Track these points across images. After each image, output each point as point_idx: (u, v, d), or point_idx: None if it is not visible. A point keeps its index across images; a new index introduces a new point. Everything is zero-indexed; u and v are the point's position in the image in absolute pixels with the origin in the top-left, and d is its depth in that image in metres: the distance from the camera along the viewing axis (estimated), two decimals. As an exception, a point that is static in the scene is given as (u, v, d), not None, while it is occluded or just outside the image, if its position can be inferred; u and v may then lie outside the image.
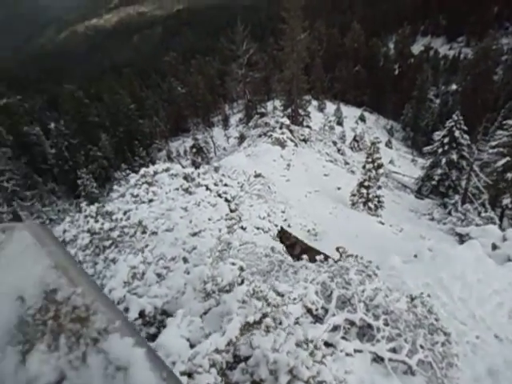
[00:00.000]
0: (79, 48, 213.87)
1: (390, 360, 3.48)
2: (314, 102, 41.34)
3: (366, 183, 14.11)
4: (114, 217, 5.39)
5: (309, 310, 3.62)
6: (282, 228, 6.42)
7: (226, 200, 7.78)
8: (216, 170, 11.35)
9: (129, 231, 5.18)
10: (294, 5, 22.21)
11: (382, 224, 13.23)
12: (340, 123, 38.77)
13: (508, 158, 16.00)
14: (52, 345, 0.45)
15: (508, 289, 5.69)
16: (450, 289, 5.45)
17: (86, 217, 5.24)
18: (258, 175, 12.09)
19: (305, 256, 5.09)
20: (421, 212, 17.47)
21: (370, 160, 14.24)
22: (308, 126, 26.14)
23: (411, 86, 48.02)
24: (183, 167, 9.03)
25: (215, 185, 8.14)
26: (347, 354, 3.28)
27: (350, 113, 46.22)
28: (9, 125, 35.62)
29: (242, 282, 3.13)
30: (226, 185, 8.38)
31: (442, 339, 3.80)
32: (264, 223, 7.45)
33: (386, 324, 3.64)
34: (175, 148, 42.48)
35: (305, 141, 21.04)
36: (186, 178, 8.00)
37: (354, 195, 14.43)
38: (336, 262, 4.95)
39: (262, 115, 24.45)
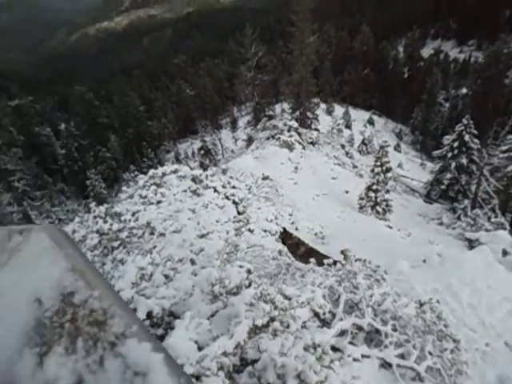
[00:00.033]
0: (90, 50, 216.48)
1: (398, 366, 3.45)
2: (323, 105, 41.26)
3: (375, 187, 14.03)
4: (122, 218, 5.43)
5: (316, 314, 3.60)
6: (284, 229, 6.40)
7: (234, 202, 7.80)
8: (224, 172, 11.37)
9: (137, 232, 5.22)
10: (303, 8, 22.23)
11: (390, 228, 13.13)
12: (348, 126, 38.62)
13: (519, 163, 15.81)
14: (69, 348, 0.45)
15: (519, 296, 5.61)
16: (460, 295, 5.38)
17: (95, 217, 5.29)
18: (265, 178, 12.09)
19: (312, 259, 5.07)
20: (429, 216, 17.30)
21: (378, 163, 14.16)
22: (316, 129, 26.10)
23: (421, 90, 47.66)
24: (191, 169, 9.07)
25: (223, 187, 8.16)
26: (354, 359, 3.25)
27: (359, 116, 46.02)
28: (20, 125, 36.15)
29: (250, 284, 3.13)
30: (233, 187, 8.40)
31: (451, 346, 3.75)
32: (271, 226, 7.44)
33: (395, 329, 3.60)
34: (183, 150, 42.70)
35: (313, 144, 21.00)
36: (194, 179, 8.03)
37: (362, 199, 14.36)
38: (343, 265, 4.92)
39: (270, 118, 24.48)
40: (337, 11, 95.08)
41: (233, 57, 41.10)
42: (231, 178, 9.95)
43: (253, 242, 5.91)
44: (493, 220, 14.93)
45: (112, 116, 43.90)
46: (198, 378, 1.65)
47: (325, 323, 3.72)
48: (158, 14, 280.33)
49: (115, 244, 4.78)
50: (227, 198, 7.88)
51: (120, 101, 43.41)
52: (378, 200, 14.15)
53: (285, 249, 6.17)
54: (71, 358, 0.44)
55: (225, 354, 1.84)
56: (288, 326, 2.67)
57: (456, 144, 18.86)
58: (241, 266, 3.24)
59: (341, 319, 3.61)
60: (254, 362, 2.21)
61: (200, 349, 1.87)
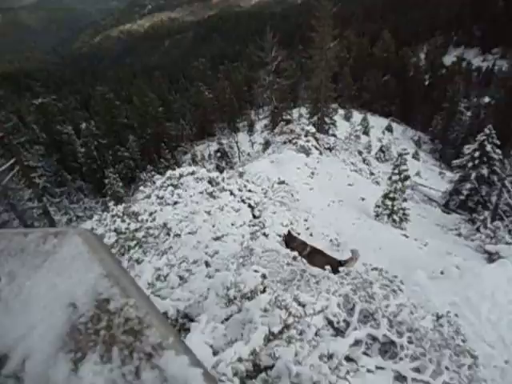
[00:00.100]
0: (112, 51, 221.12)
1: (414, 380, 3.36)
2: (341, 111, 41.06)
3: (392, 195, 13.82)
4: (139, 218, 5.49)
5: (330, 322, 3.56)
6: (288, 231, 6.34)
7: (250, 206, 7.81)
8: (241, 175, 11.40)
9: (153, 232, 5.27)
10: (324, 13, 22.19)
11: (407, 237, 12.90)
12: (366, 133, 38.31)
13: (543, 175, 15.37)
14: (104, 356, 0.44)
15: (541, 313, 5.42)
16: (479, 309, 5.24)
17: (113, 216, 5.36)
18: (281, 182, 12.06)
19: (327, 267, 5.02)
20: (447, 227, 16.94)
21: (396, 171, 13.96)
22: (333, 135, 25.96)
23: (441, 98, 46.98)
24: (208, 171, 9.13)
25: (239, 190, 8.18)
26: (368, 371, 3.19)
27: (377, 123, 45.56)
28: (43, 123, 37.07)
29: (264, 289, 3.12)
30: (250, 190, 8.41)
31: (468, 362, 3.64)
32: (286, 231, 7.41)
33: (410, 342, 3.52)
34: (200, 151, 43.04)
35: (330, 149, 20.88)
36: (210, 182, 8.08)
37: (378, 206, 14.16)
38: (357, 273, 4.86)
39: (288, 122, 24.40)
40: (359, 17, 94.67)
41: (252, 61, 41.33)
42: (247, 181, 9.96)
43: (268, 246, 5.89)
44: (514, 233, 14.53)
45: (131, 116, 44.68)
46: (213, 382, 1.63)
47: (338, 332, 3.66)
48: (179, 17, 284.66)
49: (132, 243, 4.83)
50: (243, 201, 7.90)
51: (140, 101, 44.12)
52: (395, 208, 13.93)
53: (291, 253, 6.13)
54: (106, 366, 0.43)
55: (240, 359, 1.83)
56: (301, 333, 2.65)
57: (477, 154, 18.46)
58: (256, 271, 3.23)
59: (355, 329, 3.55)
60: (267, 368, 2.19)
61: (215, 353, 1.86)
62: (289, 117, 26.24)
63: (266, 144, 25.07)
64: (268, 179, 12.38)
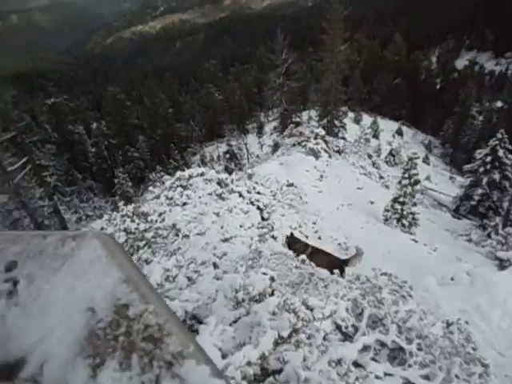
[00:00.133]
0: (124, 52, 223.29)
1: (423, 387, 3.32)
2: (351, 114, 40.88)
3: (401, 199, 13.70)
4: (149, 218, 5.53)
5: (338, 327, 3.53)
6: (291, 233, 6.31)
7: (258, 208, 7.80)
8: (250, 177, 11.40)
9: (162, 233, 5.29)
10: (335, 16, 22.14)
11: (416, 242, 12.77)
12: (376, 136, 38.06)
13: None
14: (124, 363, 0.43)
15: (553, 322, 5.31)
16: (489, 316, 5.15)
17: (122, 216, 5.41)
18: (290, 184, 12.03)
19: (336, 270, 4.99)
20: (457, 232, 16.73)
21: (406, 175, 13.84)
22: (343, 138, 25.84)
23: (453, 102, 46.48)
24: (217, 172, 9.15)
25: (248, 192, 8.19)
26: (377, 377, 3.16)
27: (387, 126, 45.26)
28: (55, 123, 37.58)
29: (273, 292, 3.11)
30: (258, 193, 8.41)
31: (479, 370, 3.58)
32: (295, 234, 7.38)
33: (420, 349, 3.47)
34: (209, 153, 43.21)
35: (339, 152, 20.79)
36: (219, 183, 8.09)
37: (387, 211, 14.05)
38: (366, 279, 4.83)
39: (297, 125, 24.35)
40: (369, 20, 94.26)
41: (262, 63, 41.37)
42: (256, 183, 9.96)
43: (276, 249, 5.87)
44: (526, 240, 14.30)
45: (142, 117, 45.07)
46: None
47: (347, 337, 3.63)
48: (190, 19, 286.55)
49: (141, 244, 4.86)
50: (252, 203, 7.90)
51: (150, 102, 44.49)
52: (405, 213, 13.80)
53: (289, 252, 6.10)
54: (126, 373, 0.42)
55: (249, 363, 1.82)
56: (309, 337, 2.63)
57: (489, 159, 18.23)
58: (264, 274, 3.23)
59: (364, 334, 3.52)
60: (275, 372, 2.18)
61: (223, 356, 1.86)
62: (298, 119, 26.19)
63: (275, 146, 25.06)
64: (277, 181, 12.36)
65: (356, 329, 3.63)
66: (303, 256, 5.38)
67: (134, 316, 0.47)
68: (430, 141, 47.78)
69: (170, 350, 0.44)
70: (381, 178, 20.88)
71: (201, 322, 2.73)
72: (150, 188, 9.72)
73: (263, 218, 7.67)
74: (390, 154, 29.70)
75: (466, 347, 3.77)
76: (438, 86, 59.50)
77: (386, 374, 3.27)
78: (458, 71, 61.02)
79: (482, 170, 18.61)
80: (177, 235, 5.64)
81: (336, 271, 5.06)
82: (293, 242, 6.10)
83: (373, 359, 3.34)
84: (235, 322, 2.67)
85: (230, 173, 11.78)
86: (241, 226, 6.93)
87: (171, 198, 7.48)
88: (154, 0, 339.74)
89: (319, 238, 9.11)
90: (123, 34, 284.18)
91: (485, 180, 18.47)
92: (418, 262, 9.42)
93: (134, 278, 0.52)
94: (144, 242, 4.91)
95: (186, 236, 5.90)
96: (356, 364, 3.19)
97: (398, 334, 3.56)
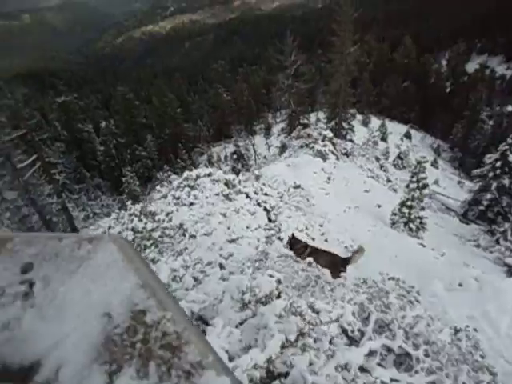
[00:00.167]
0: (134, 52, 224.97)
1: (429, 394, 3.29)
2: (359, 116, 40.74)
3: (409, 203, 13.59)
4: (156, 217, 5.55)
5: (344, 331, 3.51)
6: (293, 234, 6.29)
7: (265, 209, 7.80)
8: (257, 178, 11.40)
9: (169, 233, 5.31)
10: (345, 18, 22.08)
11: (423, 246, 12.66)
12: (384, 139, 37.85)
13: None
14: (141, 371, 0.42)
15: None
16: (498, 324, 5.08)
17: (130, 215, 5.43)
18: (297, 186, 12.01)
19: (343, 274, 4.97)
20: (465, 237, 16.55)
21: (414, 179, 13.74)
22: (351, 140, 25.74)
23: (463, 106, 46.11)
24: (224, 173, 9.17)
25: (255, 193, 8.18)
26: (383, 383, 3.13)
27: (396, 129, 44.97)
28: (64, 121, 37.92)
29: (279, 294, 3.10)
30: (266, 194, 8.40)
31: (487, 378, 3.53)
32: (302, 236, 7.36)
33: (427, 355, 3.44)
34: (216, 153, 43.29)
35: (347, 155, 20.71)
36: (227, 184, 8.10)
37: (394, 214, 13.95)
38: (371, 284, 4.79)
39: (305, 126, 24.31)
40: (379, 22, 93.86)
41: (271, 64, 41.41)
42: (264, 184, 9.96)
43: (283, 251, 5.86)
44: (535, 246, 14.11)
45: (150, 116, 45.33)
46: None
47: (353, 341, 3.61)
48: (200, 20, 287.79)
49: (148, 243, 4.89)
50: (259, 204, 7.89)
51: (159, 102, 44.71)
52: (412, 217, 13.69)
53: (291, 253, 6.09)
54: (143, 382, 0.41)
55: (255, 366, 1.82)
56: (316, 341, 2.62)
57: (498, 164, 18.00)
58: (271, 276, 3.22)
59: (370, 339, 3.49)
60: (281, 375, 2.17)
61: (230, 358, 1.86)
62: (306, 121, 26.14)
63: (283, 147, 25.02)
64: (284, 183, 12.34)
65: (362, 333, 3.61)
66: (310, 258, 5.37)
67: (152, 323, 0.46)
68: (438, 144, 47.38)
69: (189, 359, 0.43)
70: (388, 181, 20.76)
71: (207, 323, 2.73)
72: (158, 187, 9.77)
73: (270, 220, 7.66)
74: (398, 157, 29.50)
75: (473, 355, 3.73)
76: (447, 90, 59.05)
77: (392, 380, 3.24)
78: (469, 75, 60.51)
79: (491, 174, 18.40)
80: (183, 235, 5.65)
81: (343, 274, 5.04)
82: (294, 243, 6.08)
83: (379, 364, 3.31)
84: (241, 323, 2.67)
85: (237, 173, 11.79)
86: (247, 227, 6.92)
87: (178, 198, 7.50)
88: (164, 0, 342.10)
89: (326, 241, 9.07)
90: (133, 33, 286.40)
91: (494, 185, 18.25)
92: (426, 267, 9.34)
93: (152, 284, 0.51)
94: (151, 242, 4.93)
95: (193, 236, 5.91)
96: (362, 369, 3.18)
97: (404, 339, 3.53)
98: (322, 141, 18.53)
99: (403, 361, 3.53)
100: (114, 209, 28.13)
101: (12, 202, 18.62)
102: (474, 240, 16.26)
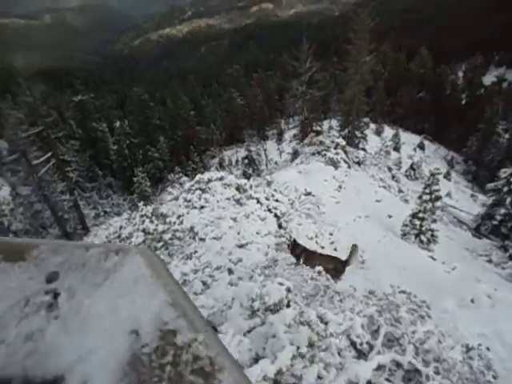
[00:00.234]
0: (151, 54, 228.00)
1: (438, 412, 3.21)
2: (372, 125, 40.50)
3: (421, 215, 13.42)
4: (167, 220, 5.56)
5: (352, 343, 3.46)
6: (294, 239, 6.26)
7: (276, 216, 7.77)
8: (269, 184, 11.39)
9: (180, 235, 5.32)
10: (362, 27, 22.05)
11: (434, 259, 12.47)
12: (397, 149, 37.52)
13: None
14: None
15: None
16: (511, 343, 4.96)
17: (141, 216, 5.46)
18: (308, 193, 11.96)
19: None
20: (477, 252, 16.25)
21: (427, 191, 13.57)
22: (363, 149, 25.59)
23: (478, 118, 45.44)
24: (235, 177, 9.18)
25: (266, 199, 8.17)
26: (391, 398, 3.07)
27: (409, 139, 44.56)
28: (80, 119, 38.47)
29: (289, 303, 3.07)
30: (276, 200, 8.38)
31: (498, 399, 3.45)
32: (311, 244, 7.32)
33: (437, 372, 3.36)
34: (228, 157, 43.39)
35: (359, 163, 20.58)
36: (238, 188, 8.10)
37: (405, 225, 13.78)
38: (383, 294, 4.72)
39: (318, 133, 24.26)
40: (396, 31, 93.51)
41: (285, 70, 41.46)
42: (275, 190, 9.94)
43: (292, 259, 5.83)
44: (549, 264, 13.79)
45: (164, 118, 45.72)
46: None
47: (361, 354, 3.55)
48: (217, 24, 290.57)
49: (158, 245, 4.90)
50: (269, 210, 7.87)
51: (173, 104, 45.10)
52: (423, 229, 13.50)
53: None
54: None
55: (265, 378, 1.79)
56: (324, 351, 2.58)
57: (514, 178, 17.73)
58: (281, 284, 3.19)
59: (379, 352, 3.43)
60: (288, 386, 2.14)
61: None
62: (319, 128, 26.09)
63: (295, 154, 24.97)
64: (295, 190, 12.31)
65: (371, 347, 3.55)
66: (319, 268, 5.33)
67: (182, 344, 0.43)
68: (452, 156, 46.78)
69: None
70: (400, 191, 20.55)
71: (215, 330, 2.71)
72: (169, 189, 9.84)
73: (280, 226, 7.62)
74: (411, 167, 29.19)
75: (485, 375, 3.63)
76: (463, 102, 58.34)
77: (400, 396, 3.18)
78: (485, 87, 59.75)
79: (505, 189, 18.10)
80: (193, 238, 5.65)
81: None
82: (295, 248, 6.07)
83: (387, 380, 3.25)
84: (249, 331, 2.64)
85: (248, 178, 11.80)
86: (257, 233, 6.90)
87: (189, 201, 7.52)
88: (182, 4, 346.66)
89: (335, 250, 9.00)
90: (151, 36, 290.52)
91: (508, 200, 17.94)
92: (436, 280, 9.19)
93: (182, 303, 0.48)
94: (162, 243, 4.94)
95: (203, 239, 5.91)
96: (369, 383, 3.12)
97: (414, 355, 3.46)
98: (335, 149, 18.45)
99: (412, 377, 3.45)
100: (125, 208, 28.37)
101: (26, 198, 18.94)
102: (485, 255, 15.95)
